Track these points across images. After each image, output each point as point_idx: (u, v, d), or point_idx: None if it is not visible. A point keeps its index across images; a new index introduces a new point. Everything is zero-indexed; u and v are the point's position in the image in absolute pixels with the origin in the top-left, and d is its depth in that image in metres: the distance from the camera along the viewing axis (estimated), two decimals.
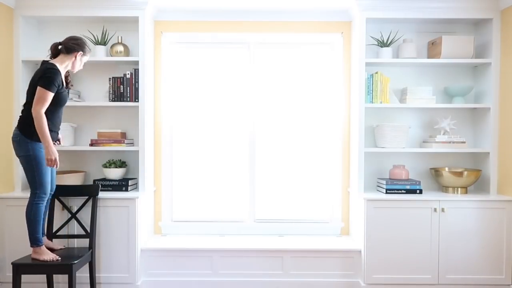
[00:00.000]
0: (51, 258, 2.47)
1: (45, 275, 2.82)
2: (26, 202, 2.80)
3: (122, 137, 3.14)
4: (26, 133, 2.41)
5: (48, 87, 2.35)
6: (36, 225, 2.45)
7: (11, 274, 2.74)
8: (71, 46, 2.50)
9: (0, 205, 2.87)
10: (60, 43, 2.51)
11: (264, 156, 3.37)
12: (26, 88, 2.49)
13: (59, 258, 2.49)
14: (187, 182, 3.39)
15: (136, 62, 3.10)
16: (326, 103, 3.36)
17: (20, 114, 2.48)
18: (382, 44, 3.15)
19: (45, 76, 2.36)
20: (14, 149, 2.47)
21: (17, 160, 3.02)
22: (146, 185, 3.08)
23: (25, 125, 2.42)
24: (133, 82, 3.08)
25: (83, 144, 3.27)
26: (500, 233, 2.88)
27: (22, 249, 2.86)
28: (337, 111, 3.33)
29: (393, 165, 3.17)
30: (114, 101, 3.10)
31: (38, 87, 2.34)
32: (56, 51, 2.51)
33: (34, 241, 2.46)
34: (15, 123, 3.02)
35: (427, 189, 3.29)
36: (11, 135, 2.59)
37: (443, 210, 2.87)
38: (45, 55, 3.15)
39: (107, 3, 2.99)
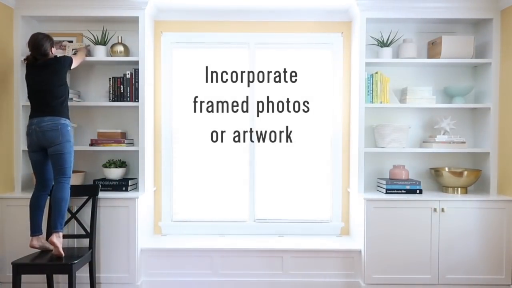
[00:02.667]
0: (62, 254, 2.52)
1: (45, 275, 2.82)
2: (26, 202, 2.82)
3: (122, 137, 3.14)
4: (67, 117, 2.65)
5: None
6: (67, 207, 2.59)
7: (11, 274, 2.75)
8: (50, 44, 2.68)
9: (0, 205, 2.87)
10: (44, 48, 2.62)
11: (264, 155, 3.38)
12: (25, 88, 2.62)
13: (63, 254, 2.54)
14: (187, 182, 3.39)
15: (136, 62, 3.10)
16: (326, 103, 3.36)
17: (52, 104, 2.58)
18: (382, 44, 3.15)
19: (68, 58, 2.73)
20: (54, 138, 2.54)
21: (17, 160, 3.03)
22: (146, 185, 3.08)
23: (64, 110, 2.64)
24: (133, 82, 3.08)
25: (83, 144, 3.27)
26: (500, 233, 2.88)
27: (22, 249, 2.86)
28: (337, 111, 3.33)
29: (393, 165, 3.17)
30: (114, 101, 3.11)
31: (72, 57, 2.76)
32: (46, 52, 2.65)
33: (62, 225, 2.54)
34: (15, 123, 3.03)
35: (427, 189, 3.30)
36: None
37: (443, 210, 2.87)
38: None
39: (107, 3, 2.99)
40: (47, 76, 2.60)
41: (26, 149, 3.03)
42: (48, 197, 2.68)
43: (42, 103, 2.59)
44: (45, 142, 2.55)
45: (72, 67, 2.75)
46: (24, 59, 2.68)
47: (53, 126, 2.55)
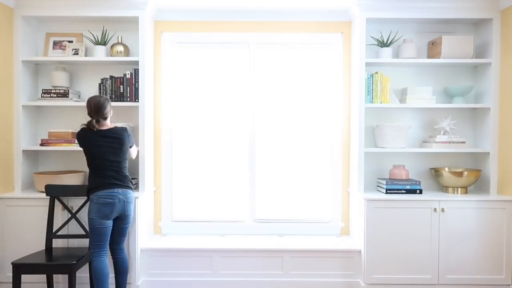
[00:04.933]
0: None
1: (45, 275, 2.82)
2: (26, 202, 2.83)
3: None
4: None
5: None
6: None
7: (11, 274, 2.75)
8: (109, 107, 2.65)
9: (0, 205, 2.87)
10: (104, 111, 2.58)
11: (264, 155, 3.38)
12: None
13: None
14: (187, 182, 3.39)
15: (136, 62, 3.10)
16: (326, 103, 3.36)
17: (118, 174, 2.59)
18: (382, 44, 3.15)
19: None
20: (131, 210, 2.64)
21: (17, 160, 3.03)
22: (146, 185, 3.08)
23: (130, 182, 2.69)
24: (133, 82, 3.08)
25: None
26: (500, 233, 2.88)
27: (22, 249, 2.86)
28: (337, 111, 3.33)
29: (393, 165, 3.17)
30: (114, 101, 3.10)
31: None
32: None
33: None
34: (15, 123, 3.03)
35: (427, 189, 3.29)
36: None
37: (443, 210, 2.87)
38: (43, 56, 3.17)
39: (107, 3, 2.99)
40: (119, 146, 2.60)
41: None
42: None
43: (117, 173, 2.61)
44: (124, 213, 2.60)
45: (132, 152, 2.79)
46: (85, 125, 2.58)
47: (132, 199, 2.64)
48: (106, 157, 2.54)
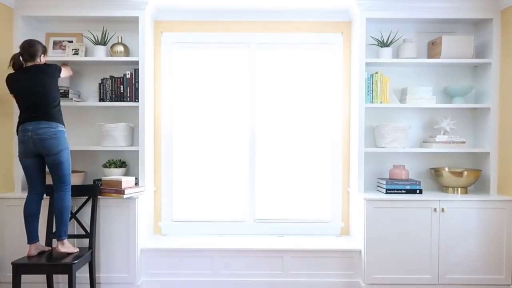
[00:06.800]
0: (74, 250, 2.63)
1: (45, 275, 2.82)
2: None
3: None
4: (63, 123, 2.60)
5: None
6: (69, 215, 2.62)
7: (11, 274, 2.75)
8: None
9: (0, 205, 2.87)
10: (34, 49, 2.58)
11: (264, 156, 3.38)
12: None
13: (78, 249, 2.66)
14: (187, 182, 3.39)
15: (136, 62, 3.10)
16: (326, 103, 3.36)
17: (48, 109, 2.52)
18: (382, 44, 3.15)
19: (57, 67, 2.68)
20: (52, 146, 2.49)
21: (17, 160, 3.02)
22: (146, 185, 3.07)
23: (59, 116, 2.60)
24: (133, 82, 3.08)
25: (83, 144, 3.27)
26: (500, 233, 2.88)
27: (22, 249, 2.86)
28: (337, 111, 3.33)
29: (393, 165, 3.17)
30: (114, 101, 3.10)
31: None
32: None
33: (66, 233, 2.58)
34: (15, 123, 3.02)
35: (427, 189, 3.30)
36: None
37: (443, 210, 2.87)
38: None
39: (107, 3, 2.99)
40: (42, 79, 2.53)
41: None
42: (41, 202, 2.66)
43: (38, 107, 2.51)
44: (42, 150, 2.50)
45: (61, 76, 2.72)
46: (10, 61, 2.56)
47: (51, 134, 2.50)
48: (30, 91, 2.49)
